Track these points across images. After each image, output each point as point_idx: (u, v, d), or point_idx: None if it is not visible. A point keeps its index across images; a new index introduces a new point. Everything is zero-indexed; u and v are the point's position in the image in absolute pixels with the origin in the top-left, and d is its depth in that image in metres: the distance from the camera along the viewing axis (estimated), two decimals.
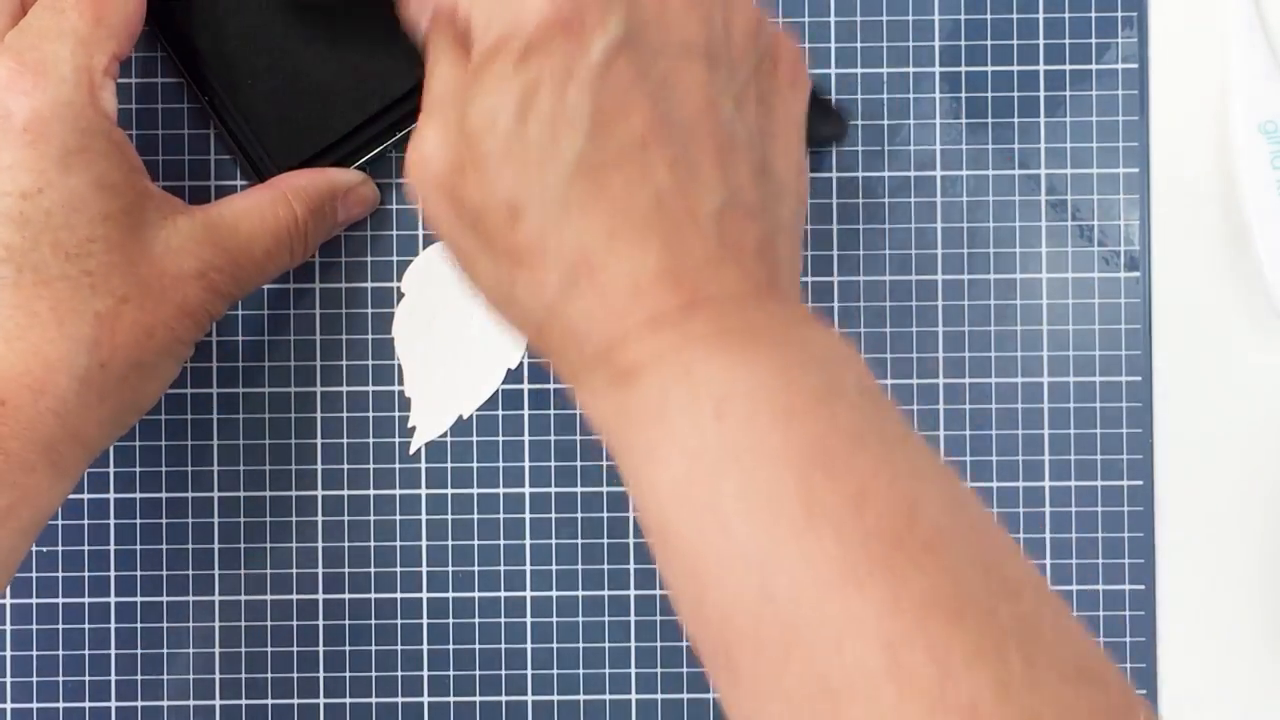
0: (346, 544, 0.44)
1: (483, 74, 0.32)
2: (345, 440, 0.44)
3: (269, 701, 0.44)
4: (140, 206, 0.37)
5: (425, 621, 0.44)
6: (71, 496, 0.44)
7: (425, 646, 0.44)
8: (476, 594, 0.44)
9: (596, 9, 0.31)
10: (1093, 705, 0.27)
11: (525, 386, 0.44)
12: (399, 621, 0.44)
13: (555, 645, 0.44)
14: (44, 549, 0.44)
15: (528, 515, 0.44)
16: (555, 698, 0.44)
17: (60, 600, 0.44)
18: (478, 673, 0.44)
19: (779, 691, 0.28)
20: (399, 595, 0.44)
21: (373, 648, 0.44)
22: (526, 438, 0.44)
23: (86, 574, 0.44)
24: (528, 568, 0.44)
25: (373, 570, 0.44)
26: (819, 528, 0.28)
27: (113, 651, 0.44)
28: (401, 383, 0.44)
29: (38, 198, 0.36)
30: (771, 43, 0.34)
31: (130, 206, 0.37)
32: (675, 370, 0.30)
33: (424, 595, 0.44)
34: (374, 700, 0.44)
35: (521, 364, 0.44)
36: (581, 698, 0.44)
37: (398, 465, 0.44)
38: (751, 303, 0.31)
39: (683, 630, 0.44)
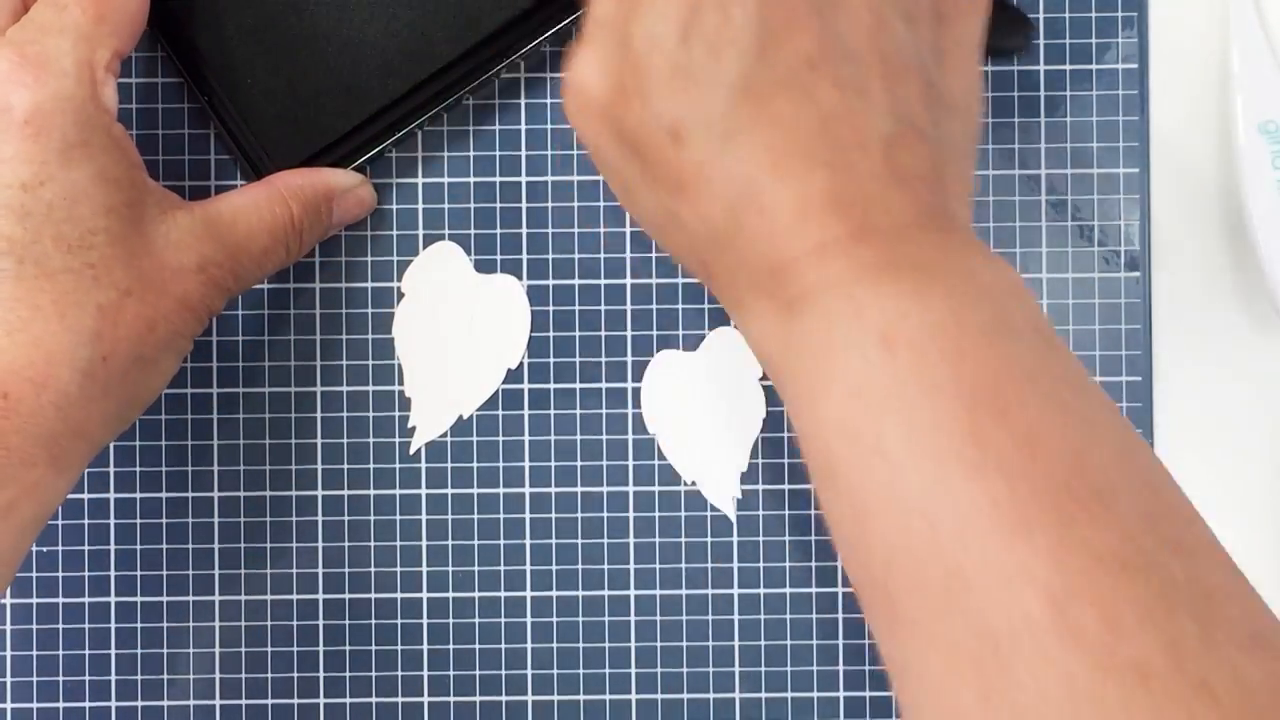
0: (346, 544, 0.44)
1: None
2: (345, 440, 0.44)
3: (269, 701, 0.44)
4: (141, 201, 0.37)
5: (425, 621, 0.44)
6: (71, 496, 0.44)
7: (425, 646, 0.44)
8: (476, 594, 0.44)
9: None
10: (1268, 674, 0.26)
11: (525, 386, 0.44)
12: (399, 621, 0.44)
13: (555, 645, 0.44)
14: (44, 549, 0.44)
15: (528, 515, 0.44)
16: (555, 698, 0.44)
17: (60, 600, 0.44)
18: (478, 673, 0.44)
19: (940, 636, 0.27)
20: (399, 595, 0.44)
21: (373, 648, 0.44)
22: (526, 438, 0.44)
23: (86, 574, 0.44)
24: (528, 568, 0.44)
25: (373, 570, 0.44)
26: (987, 471, 0.27)
27: (113, 651, 0.44)
28: (401, 383, 0.44)
29: (39, 190, 0.36)
30: None
31: (131, 200, 0.37)
32: (841, 301, 0.29)
33: (424, 595, 0.44)
34: (374, 700, 0.44)
35: (521, 364, 0.44)
36: (581, 698, 0.44)
37: (398, 465, 0.44)
38: (920, 231, 0.30)
39: (683, 630, 0.44)
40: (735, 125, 0.30)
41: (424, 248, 0.44)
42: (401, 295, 0.44)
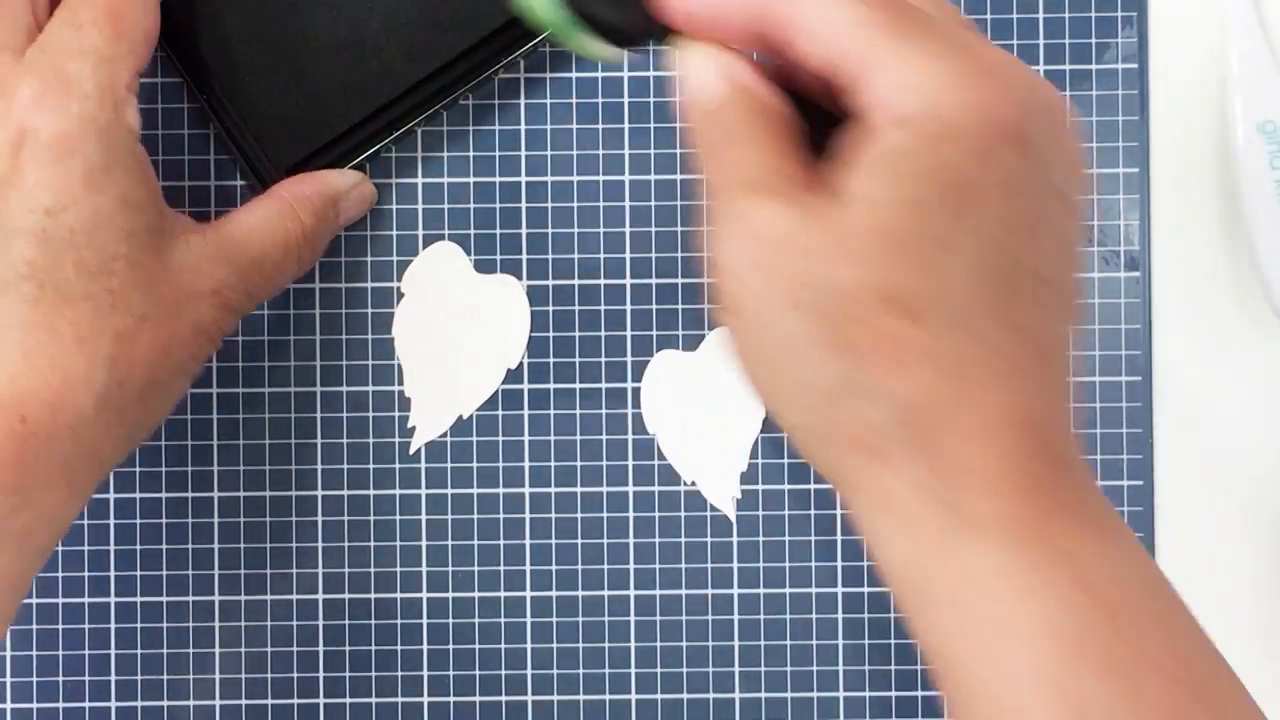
0: (346, 544, 0.44)
1: (914, 147, 0.29)
2: (345, 440, 0.44)
3: (269, 701, 0.44)
4: (159, 225, 0.37)
5: (425, 621, 0.44)
6: None
7: (425, 646, 0.44)
8: (476, 594, 0.44)
9: (1043, 137, 0.30)
10: None
11: (525, 386, 0.44)
12: (399, 621, 0.44)
13: (555, 645, 0.44)
14: None
15: (528, 515, 0.44)
16: (555, 698, 0.44)
17: (60, 600, 0.44)
18: (478, 673, 0.44)
19: None
20: (399, 595, 0.44)
21: (373, 648, 0.44)
22: (526, 438, 0.44)
23: (86, 574, 0.44)
24: (528, 568, 0.44)
25: (373, 570, 0.44)
26: None
27: (113, 651, 0.44)
28: (401, 383, 0.44)
29: (62, 216, 0.35)
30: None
31: (151, 225, 0.37)
32: (1039, 540, 0.28)
33: (424, 595, 0.44)
34: (374, 700, 0.44)
35: (521, 364, 0.44)
36: (581, 698, 0.44)
37: (398, 465, 0.44)
38: (1090, 475, 0.30)
39: (683, 630, 0.44)
40: (971, 317, 0.29)
41: (424, 248, 0.44)
42: (401, 295, 0.44)
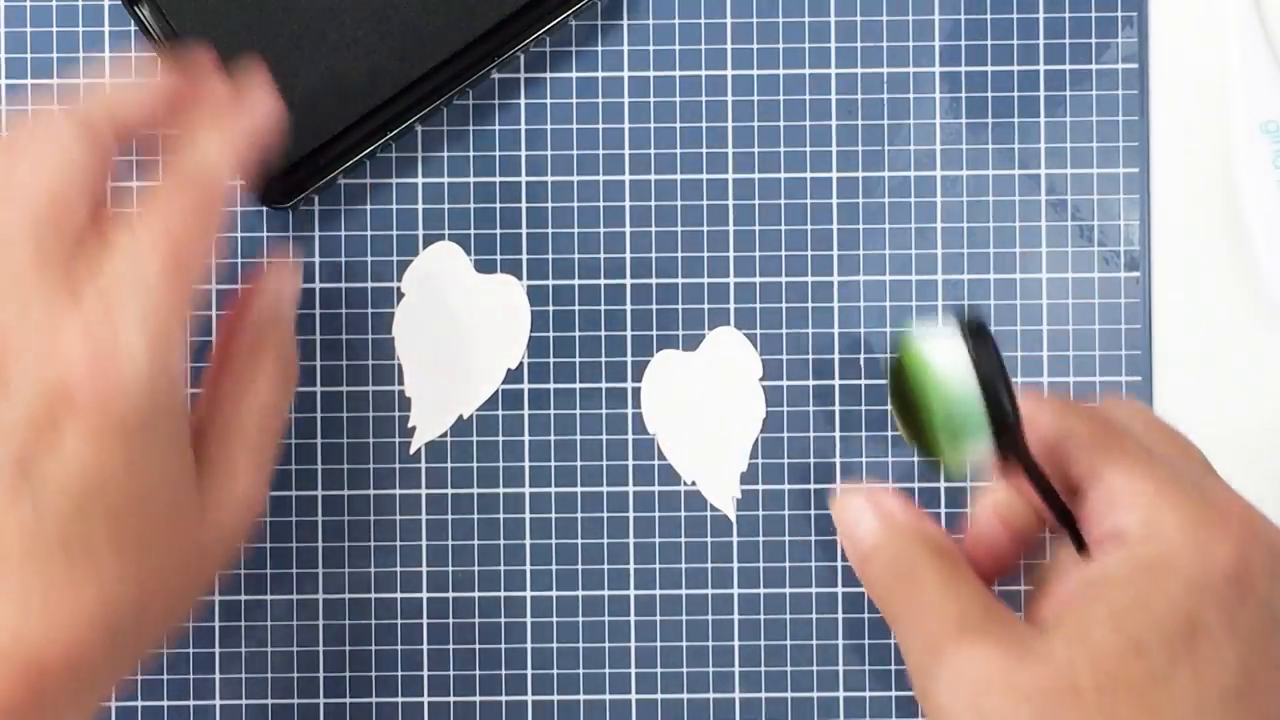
0: (346, 544, 0.44)
1: (1133, 589, 0.29)
2: (345, 440, 0.44)
3: (269, 701, 0.44)
4: (189, 487, 0.36)
5: (425, 621, 0.44)
6: None
7: (425, 646, 0.44)
8: (476, 594, 0.44)
9: (1265, 578, 0.30)
10: None
11: (525, 386, 0.44)
12: (399, 621, 0.44)
13: (555, 645, 0.44)
14: None
15: (528, 515, 0.44)
16: (555, 698, 0.44)
17: None
18: (478, 673, 0.44)
19: None
20: (399, 595, 0.44)
21: (373, 648, 0.44)
22: (526, 438, 0.44)
23: None
24: (528, 568, 0.44)
25: (373, 570, 0.44)
26: None
27: None
28: (401, 382, 0.44)
29: (99, 490, 0.33)
30: None
31: (184, 495, 0.36)
32: None
33: (424, 595, 0.44)
34: (374, 700, 0.44)
35: (521, 364, 0.44)
36: (581, 698, 0.44)
37: (398, 465, 0.44)
38: None
39: (683, 630, 0.44)
40: None
41: (424, 248, 0.44)
42: (401, 295, 0.44)
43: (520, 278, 0.44)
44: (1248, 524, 0.30)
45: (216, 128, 0.36)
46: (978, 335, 0.32)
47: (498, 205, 0.44)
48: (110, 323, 0.33)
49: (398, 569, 0.44)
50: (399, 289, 0.44)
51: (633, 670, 0.44)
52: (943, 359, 0.32)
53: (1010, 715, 0.29)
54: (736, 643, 0.44)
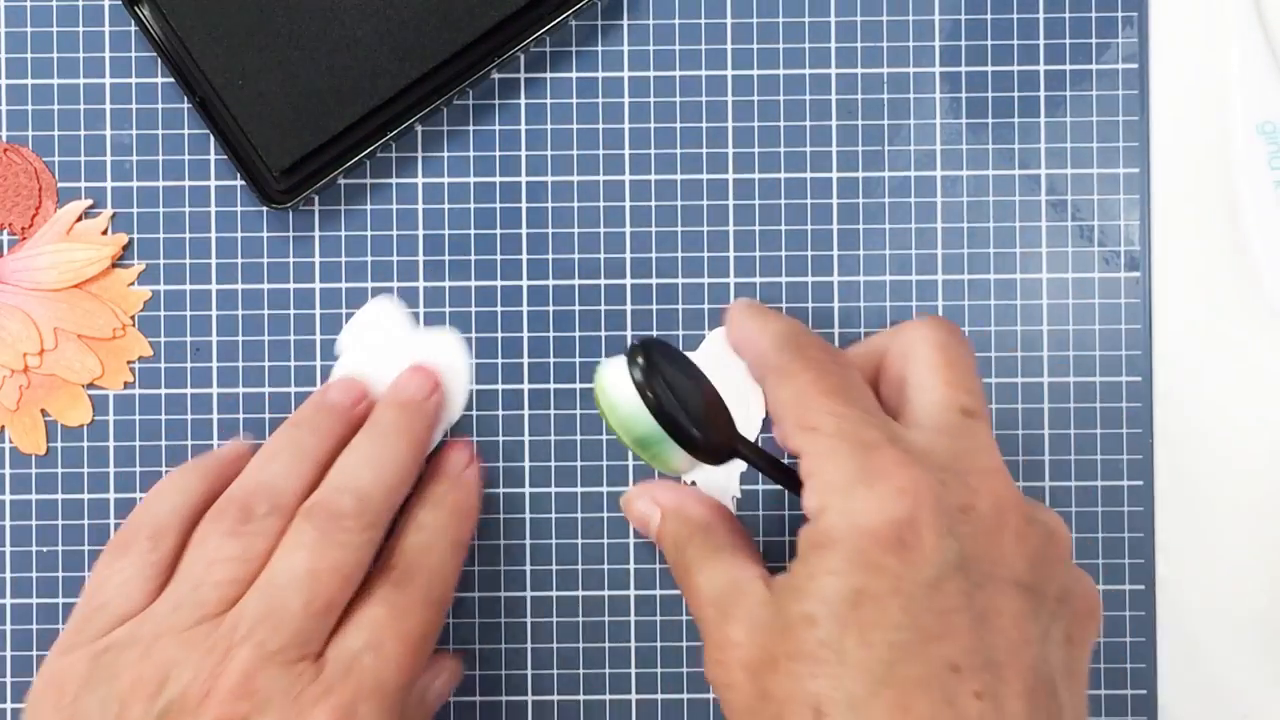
0: None
1: (808, 566, 0.32)
2: None
3: None
4: None
5: None
6: (71, 496, 0.44)
7: None
8: (477, 594, 0.44)
9: (935, 533, 0.32)
10: None
11: (525, 386, 0.44)
12: None
13: (555, 645, 0.44)
14: (44, 549, 0.44)
15: (528, 515, 0.44)
16: (555, 698, 0.44)
17: (60, 600, 0.44)
18: (478, 673, 0.44)
19: None
20: None
21: None
22: (526, 438, 0.44)
23: (86, 574, 0.44)
24: (528, 568, 0.44)
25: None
26: None
27: None
28: None
29: None
30: (1078, 578, 0.34)
31: None
32: None
33: None
34: None
35: (522, 365, 0.44)
36: (581, 698, 0.44)
37: None
38: None
39: (683, 630, 0.44)
40: (873, 716, 0.31)
41: (372, 297, 0.44)
42: (337, 355, 0.44)
43: (520, 278, 0.44)
44: (909, 488, 0.32)
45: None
46: (646, 365, 0.35)
47: (498, 205, 0.44)
48: (352, 712, 0.36)
49: None
50: (335, 347, 0.44)
51: (633, 670, 0.44)
52: (618, 391, 0.35)
53: (738, 687, 0.33)
54: None
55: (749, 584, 0.35)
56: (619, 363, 0.36)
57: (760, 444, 0.44)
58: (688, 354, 0.39)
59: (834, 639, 0.32)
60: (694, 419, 0.36)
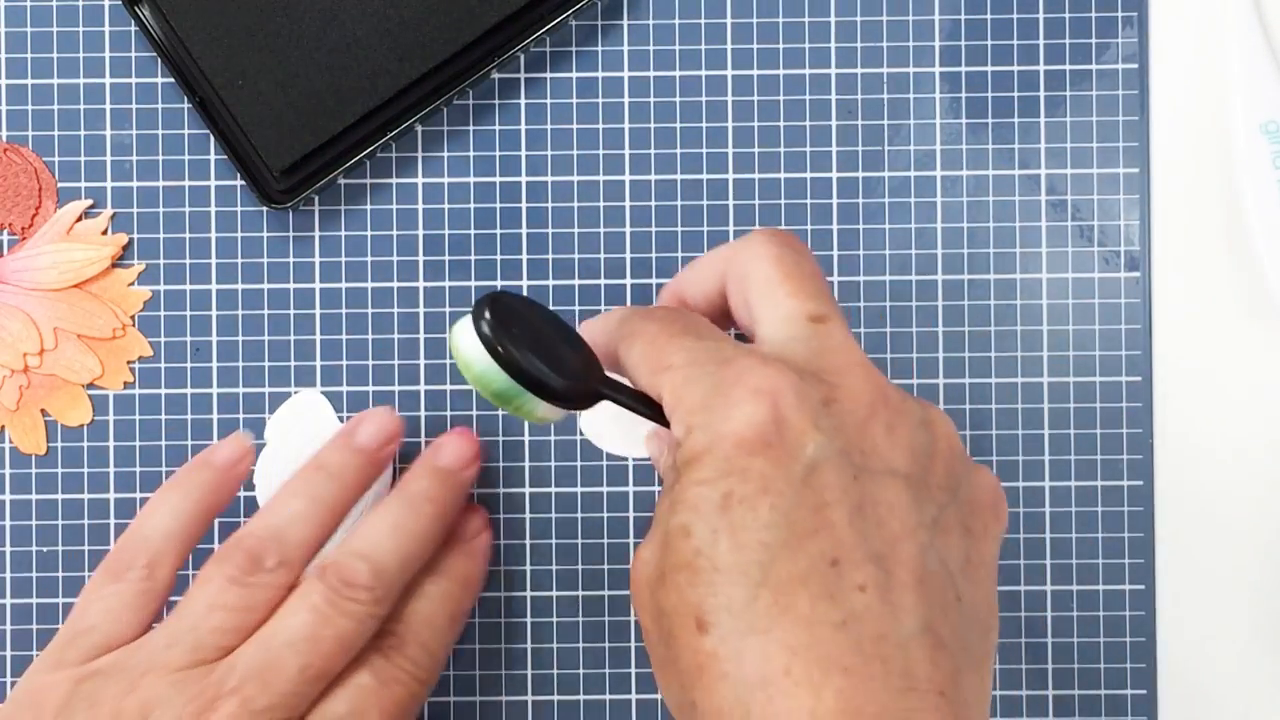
0: None
1: (682, 481, 0.32)
2: None
3: None
4: None
5: None
6: (71, 496, 0.44)
7: None
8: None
9: (798, 428, 0.31)
10: None
11: None
12: None
13: (555, 645, 0.44)
14: (44, 549, 0.44)
15: (528, 515, 0.44)
16: (555, 698, 0.44)
17: (60, 600, 0.44)
18: (478, 673, 0.44)
19: None
20: None
21: None
22: (526, 438, 0.44)
23: (86, 574, 0.44)
24: (528, 568, 0.44)
25: None
26: None
27: None
28: (399, 383, 0.44)
29: None
30: (972, 470, 0.34)
31: None
32: None
33: None
34: None
35: None
36: (581, 698, 0.44)
37: (398, 465, 0.44)
38: None
39: None
40: (755, 619, 0.30)
41: (298, 387, 0.44)
42: (262, 446, 0.43)
43: (520, 278, 0.44)
44: (766, 388, 0.32)
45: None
46: (492, 320, 0.34)
47: (498, 205, 0.44)
48: None
49: None
50: (261, 440, 0.44)
51: (633, 670, 0.44)
52: (469, 349, 0.35)
53: (644, 607, 0.33)
54: None
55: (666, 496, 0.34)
56: (467, 320, 0.35)
57: None
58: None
59: (708, 546, 0.31)
60: (548, 367, 0.35)
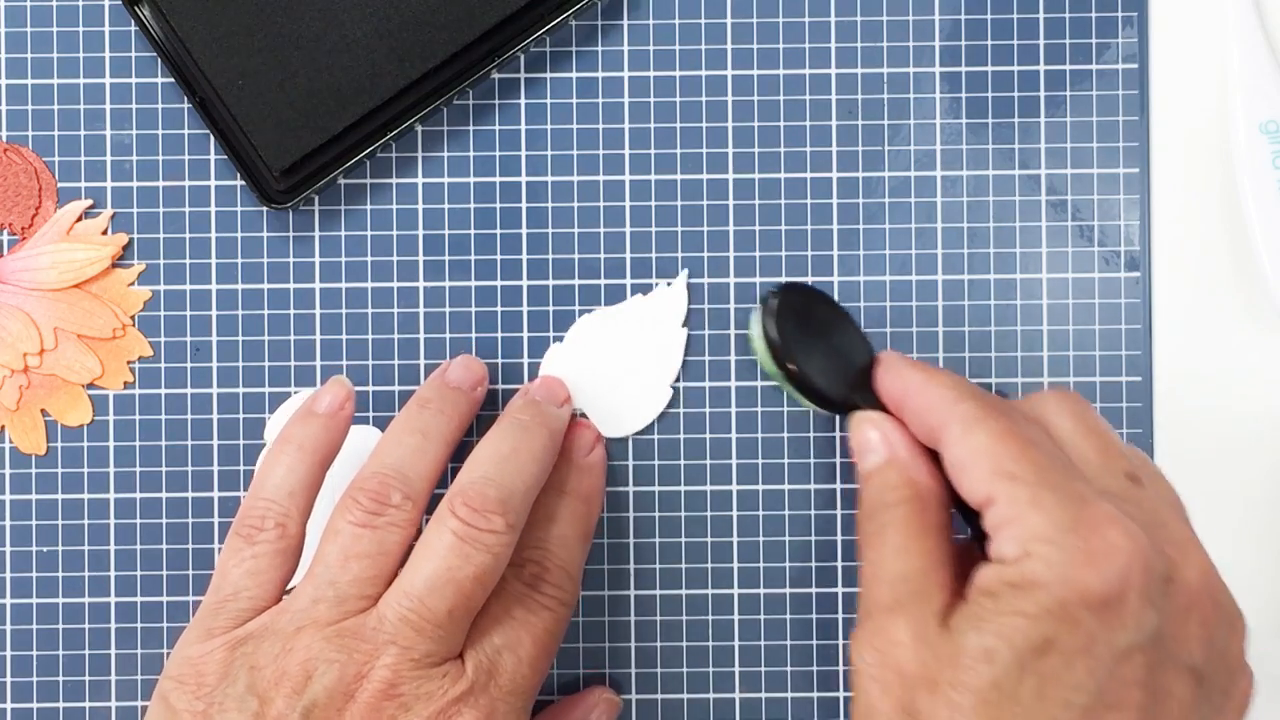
0: None
1: (999, 602, 0.32)
2: None
3: None
4: None
5: None
6: (71, 496, 0.44)
7: None
8: None
9: (1140, 599, 0.31)
10: None
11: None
12: None
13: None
14: (44, 549, 0.44)
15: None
16: (555, 698, 0.44)
17: (60, 600, 0.44)
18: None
19: None
20: None
21: None
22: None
23: (86, 574, 0.44)
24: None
25: None
26: None
27: (113, 651, 0.44)
28: (400, 383, 0.44)
29: None
30: (1242, 670, 0.34)
31: None
32: None
33: None
34: None
35: (522, 364, 0.44)
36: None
37: None
38: None
39: (683, 630, 0.44)
40: None
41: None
42: (262, 446, 0.43)
43: (520, 278, 0.44)
44: (1125, 548, 0.31)
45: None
46: (776, 318, 0.38)
47: (498, 205, 0.44)
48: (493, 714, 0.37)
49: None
50: (263, 439, 0.44)
51: (633, 670, 0.44)
52: (756, 336, 0.39)
53: (886, 689, 0.32)
54: (736, 643, 0.44)
55: (935, 590, 0.33)
56: (758, 311, 0.39)
57: (760, 444, 0.44)
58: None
59: (1009, 682, 0.31)
60: (813, 372, 0.38)
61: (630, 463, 0.44)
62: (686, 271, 0.44)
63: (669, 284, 0.44)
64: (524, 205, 0.44)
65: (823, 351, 0.38)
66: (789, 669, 0.44)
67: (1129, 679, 0.31)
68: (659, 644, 0.44)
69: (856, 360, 0.39)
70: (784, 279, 0.44)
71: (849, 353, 0.39)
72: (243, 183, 0.43)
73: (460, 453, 0.41)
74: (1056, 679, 0.31)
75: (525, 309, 0.44)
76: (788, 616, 0.44)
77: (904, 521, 0.34)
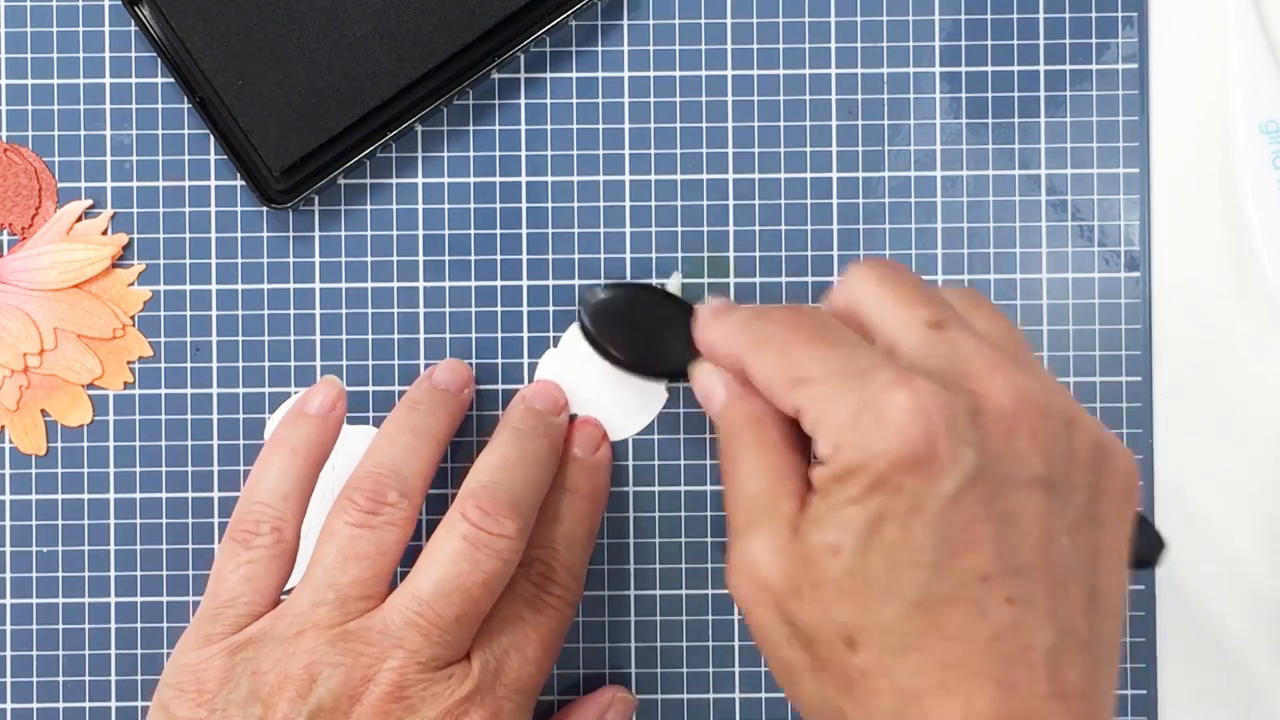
0: None
1: (829, 498, 0.32)
2: None
3: None
4: None
5: None
6: (71, 496, 0.44)
7: None
8: None
9: (949, 444, 0.31)
10: None
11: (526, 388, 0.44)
12: None
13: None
14: (44, 549, 0.44)
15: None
16: (556, 698, 0.44)
17: (60, 600, 0.44)
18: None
19: None
20: None
21: None
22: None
23: (86, 574, 0.44)
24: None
25: None
26: None
27: (113, 651, 0.44)
28: (403, 383, 0.44)
29: None
30: (1110, 456, 0.34)
31: None
32: None
33: None
34: None
35: (522, 364, 0.44)
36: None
37: None
38: None
39: (683, 630, 0.44)
40: (908, 637, 0.31)
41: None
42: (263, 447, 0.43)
43: (520, 278, 0.44)
44: (913, 405, 0.31)
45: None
46: (591, 325, 0.40)
47: (498, 205, 0.44)
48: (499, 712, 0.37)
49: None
50: (266, 430, 0.44)
51: (633, 670, 0.44)
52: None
53: (777, 609, 0.33)
54: (736, 643, 0.44)
55: (784, 500, 0.34)
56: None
57: None
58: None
59: (860, 566, 0.31)
60: (637, 356, 0.40)
61: (630, 463, 0.44)
62: (679, 272, 0.44)
63: (663, 284, 0.44)
64: (524, 205, 0.44)
65: (644, 333, 0.40)
66: None
67: (969, 518, 0.31)
68: (659, 644, 0.44)
69: (682, 330, 0.39)
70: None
71: (673, 324, 0.39)
72: (243, 183, 0.43)
73: (452, 455, 0.41)
74: (899, 547, 0.31)
75: (525, 309, 0.44)
76: None
77: (748, 447, 0.35)
